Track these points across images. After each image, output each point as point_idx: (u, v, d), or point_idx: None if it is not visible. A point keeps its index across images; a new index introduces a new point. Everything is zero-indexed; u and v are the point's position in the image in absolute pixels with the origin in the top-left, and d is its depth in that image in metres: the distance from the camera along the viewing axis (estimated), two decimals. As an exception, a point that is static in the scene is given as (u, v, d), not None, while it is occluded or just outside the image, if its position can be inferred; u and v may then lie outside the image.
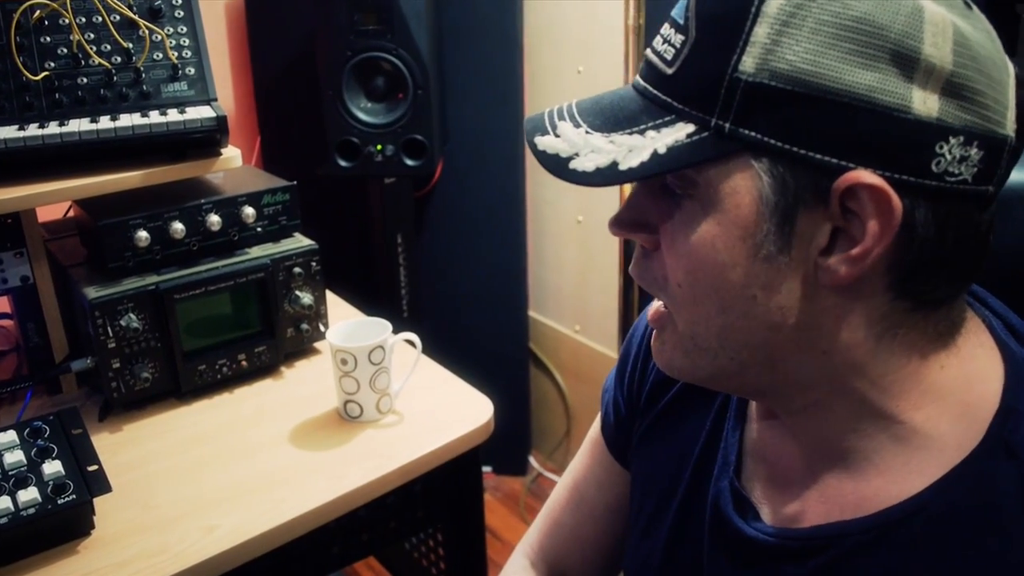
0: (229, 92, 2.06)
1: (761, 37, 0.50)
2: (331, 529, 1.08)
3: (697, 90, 0.53)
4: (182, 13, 1.27)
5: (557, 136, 0.58)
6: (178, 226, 1.23)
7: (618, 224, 0.60)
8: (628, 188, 1.67)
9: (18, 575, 0.92)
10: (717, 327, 0.57)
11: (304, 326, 1.33)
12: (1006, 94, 0.52)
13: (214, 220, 1.25)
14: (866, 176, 0.50)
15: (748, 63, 0.50)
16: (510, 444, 2.42)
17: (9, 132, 1.13)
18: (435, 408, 1.22)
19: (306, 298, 1.30)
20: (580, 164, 0.56)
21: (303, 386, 1.28)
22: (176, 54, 1.25)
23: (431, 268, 2.20)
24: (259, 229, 1.31)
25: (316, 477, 1.07)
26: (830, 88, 0.49)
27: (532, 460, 2.48)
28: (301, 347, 1.35)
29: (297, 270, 1.30)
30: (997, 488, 0.53)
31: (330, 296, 1.48)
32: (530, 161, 2.18)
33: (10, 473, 0.96)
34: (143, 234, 1.20)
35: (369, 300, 1.71)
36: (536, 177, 2.27)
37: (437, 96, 1.87)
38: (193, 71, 1.26)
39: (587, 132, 0.57)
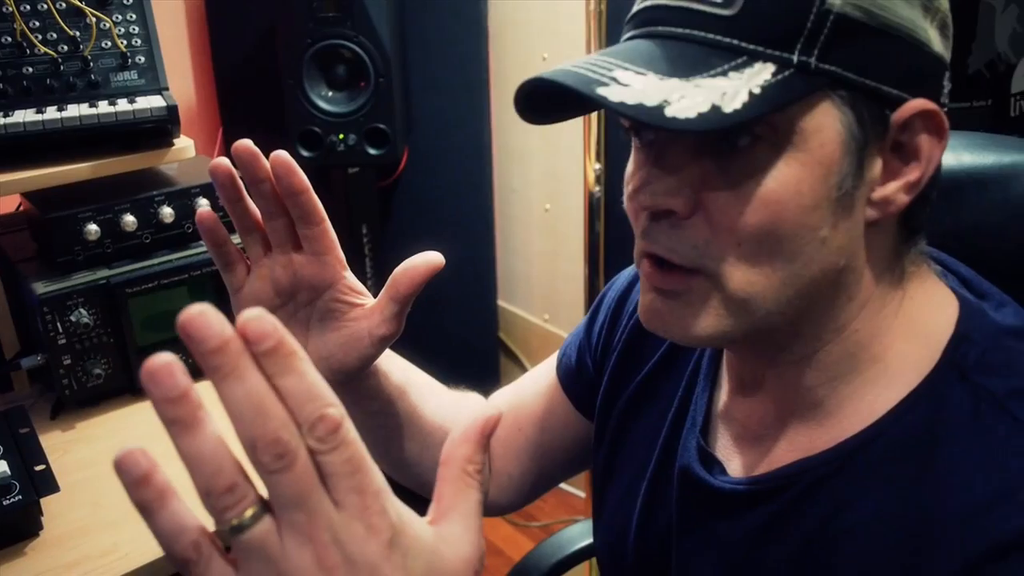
0: (190, 82, 2.02)
1: None
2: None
3: (774, 27, 0.50)
4: (131, 1, 1.24)
5: (626, 85, 0.49)
6: (129, 219, 1.20)
7: (650, 192, 0.54)
8: (592, 171, 1.66)
9: (-37, 578, 0.90)
10: (778, 280, 0.54)
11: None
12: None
13: (167, 212, 1.23)
14: (923, 103, 0.52)
15: None
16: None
17: (-49, 124, 1.09)
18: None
19: (263, 291, 1.28)
20: (679, 111, 0.48)
21: None
22: (125, 42, 1.22)
23: (398, 258, 2.17)
24: (214, 221, 1.28)
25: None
26: (890, 22, 0.51)
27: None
28: (260, 341, 1.32)
29: (254, 262, 1.28)
30: (949, 409, 0.54)
31: (290, 288, 1.46)
32: (497, 149, 2.17)
33: (-47, 474, 0.94)
34: (93, 227, 1.18)
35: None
36: (503, 166, 2.25)
37: (400, 84, 1.85)
38: (143, 59, 1.23)
39: (660, 78, 0.50)
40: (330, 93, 1.78)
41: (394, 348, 1.25)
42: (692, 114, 0.48)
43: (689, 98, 0.49)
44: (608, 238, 1.76)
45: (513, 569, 1.10)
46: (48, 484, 0.95)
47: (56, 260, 1.17)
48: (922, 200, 0.56)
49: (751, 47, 0.50)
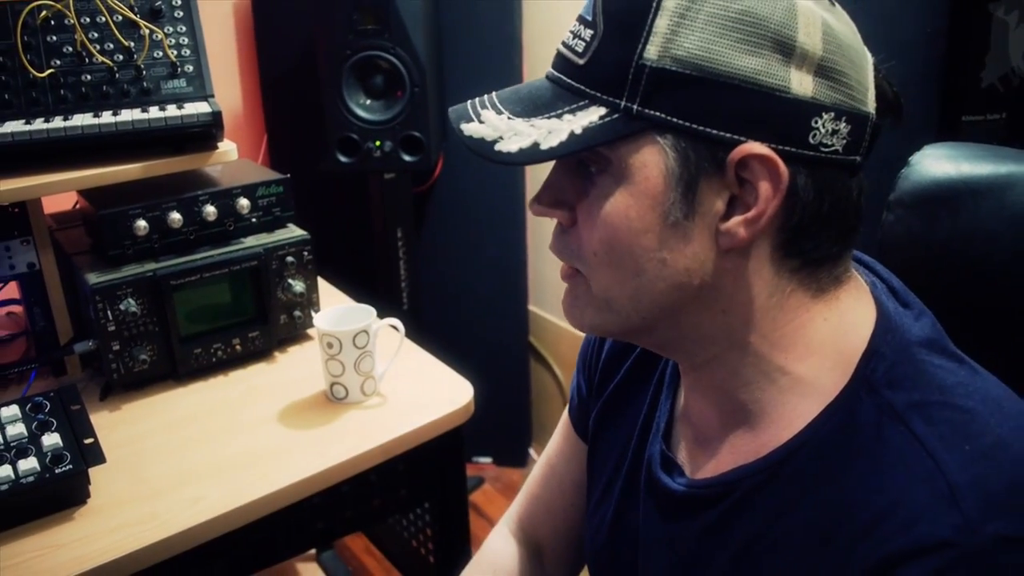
0: (237, 91, 2.13)
1: (662, 28, 0.57)
2: (315, 504, 1.13)
3: (607, 77, 0.59)
4: (181, 13, 1.33)
5: (482, 122, 0.63)
6: (176, 216, 1.29)
7: (538, 202, 0.66)
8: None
9: (19, 539, 0.98)
10: (630, 289, 0.62)
11: (296, 313, 1.39)
12: (867, 77, 0.60)
13: (210, 211, 1.31)
14: (757, 147, 0.57)
15: (651, 51, 0.57)
16: (510, 436, 2.48)
17: (16, 126, 1.19)
18: (418, 391, 1.27)
19: (298, 286, 1.36)
20: (505, 146, 0.61)
21: (294, 369, 1.34)
22: (175, 52, 1.32)
23: (431, 262, 2.26)
24: (254, 220, 1.37)
25: (300, 454, 1.13)
26: (722, 72, 0.56)
27: (532, 452, 2.53)
28: (293, 333, 1.41)
29: (290, 259, 1.36)
30: (857, 422, 0.59)
31: (326, 286, 1.54)
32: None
33: (11, 444, 1.03)
34: (142, 223, 1.27)
35: (370, 293, 1.77)
36: (536, 173, 2.32)
37: (435, 94, 1.93)
38: (191, 69, 1.33)
39: (509, 118, 0.62)
40: (368, 102, 1.86)
41: (427, 349, 1.33)
42: (515, 149, 0.60)
43: (519, 136, 0.61)
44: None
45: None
46: (96, 456, 1.03)
47: (108, 253, 1.26)
48: (800, 231, 0.60)
49: (591, 92, 0.60)
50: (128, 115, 1.25)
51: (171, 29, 1.32)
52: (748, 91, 0.56)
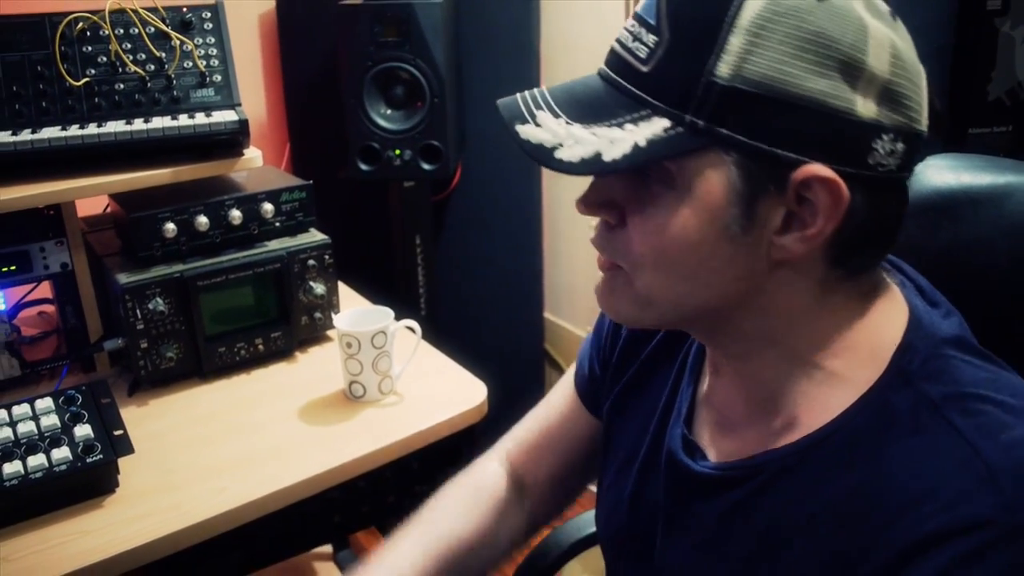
0: (262, 100, 2.18)
1: (735, 46, 0.56)
2: (332, 498, 1.18)
3: (672, 89, 0.59)
4: (211, 25, 1.39)
5: (539, 126, 0.62)
6: (203, 220, 1.34)
7: (586, 203, 0.66)
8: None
9: (51, 525, 1.03)
10: (676, 292, 0.64)
11: (317, 314, 1.43)
12: (923, 95, 0.61)
13: (236, 215, 1.36)
14: (821, 169, 0.57)
15: (723, 69, 0.57)
16: (525, 441, 2.51)
17: (53, 132, 1.25)
18: (433, 390, 1.31)
19: (319, 288, 1.41)
20: (565, 154, 0.60)
21: (314, 369, 1.39)
22: (204, 63, 1.37)
23: (449, 269, 2.30)
24: (277, 224, 1.42)
25: (318, 449, 1.17)
26: (792, 93, 0.56)
27: (546, 457, 2.56)
28: (314, 334, 1.45)
29: (311, 262, 1.41)
30: (893, 411, 0.61)
31: (346, 290, 1.59)
32: (546, 167, 2.27)
33: (45, 435, 1.08)
34: (171, 226, 1.32)
35: (389, 298, 1.81)
36: (552, 181, 2.36)
37: (454, 104, 1.97)
38: (219, 78, 1.38)
39: (567, 123, 0.61)
40: (388, 111, 1.91)
41: (445, 353, 1.37)
42: (576, 159, 0.60)
43: (580, 144, 0.60)
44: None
45: (531, 552, 1.20)
46: (125, 446, 1.08)
47: (138, 255, 1.32)
48: (851, 245, 0.61)
49: (654, 102, 0.59)
50: (159, 122, 1.30)
51: (200, 40, 1.38)
52: (815, 112, 0.56)
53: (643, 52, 0.60)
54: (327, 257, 1.43)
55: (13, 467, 1.02)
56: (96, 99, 1.31)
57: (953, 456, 0.58)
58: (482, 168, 2.23)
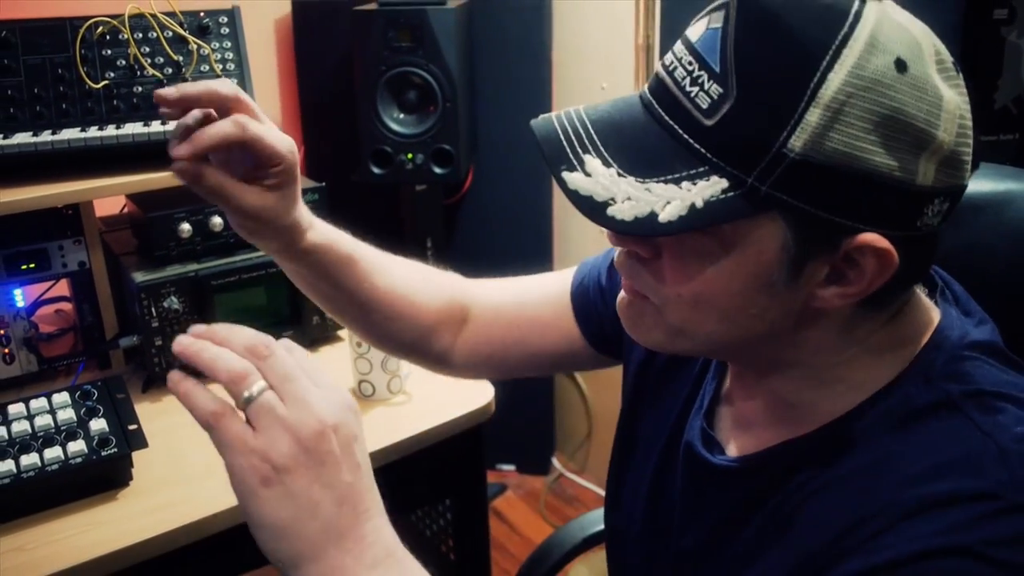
0: (277, 104, 2.21)
1: (813, 121, 0.54)
2: (341, 494, 1.19)
3: (737, 150, 0.56)
4: (227, 30, 1.42)
5: (588, 175, 0.59)
6: (217, 220, 1.37)
7: (617, 237, 0.64)
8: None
9: (67, 516, 1.06)
10: (708, 330, 0.64)
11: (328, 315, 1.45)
12: (970, 151, 0.59)
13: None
14: (877, 240, 0.57)
15: (797, 142, 0.54)
16: (534, 445, 2.53)
17: (73, 133, 1.28)
18: (441, 390, 1.33)
19: (330, 289, 1.43)
20: (618, 212, 0.58)
21: (324, 368, 1.39)
22: (221, 67, 1.40)
23: (460, 272, 2.30)
24: (290, 225, 1.44)
25: (328, 445, 1.19)
26: (860, 168, 0.55)
27: (555, 461, 2.58)
28: (325, 334, 1.48)
29: (323, 263, 1.43)
30: (914, 405, 0.62)
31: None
32: (556, 172, 2.29)
33: (62, 428, 1.11)
34: (186, 226, 1.35)
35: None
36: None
37: (466, 109, 2.00)
38: (236, 82, 1.40)
39: (619, 174, 0.59)
40: (401, 115, 1.94)
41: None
42: (629, 217, 0.57)
43: (634, 201, 0.58)
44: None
45: (533, 553, 1.22)
46: (139, 440, 1.10)
47: (153, 254, 1.34)
48: (885, 292, 0.61)
49: (714, 160, 0.57)
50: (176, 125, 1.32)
51: (217, 45, 1.41)
52: (879, 185, 0.55)
53: (705, 102, 0.57)
54: (339, 258, 1.45)
55: (30, 459, 1.04)
56: (115, 101, 1.34)
57: (966, 440, 0.59)
58: (493, 172, 2.26)
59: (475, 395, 1.31)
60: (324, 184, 1.48)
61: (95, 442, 1.08)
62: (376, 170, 1.95)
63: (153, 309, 1.31)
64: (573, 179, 0.59)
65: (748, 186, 0.56)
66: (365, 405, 1.30)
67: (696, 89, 0.57)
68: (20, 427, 1.09)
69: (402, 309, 0.93)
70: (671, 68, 0.60)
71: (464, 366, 0.99)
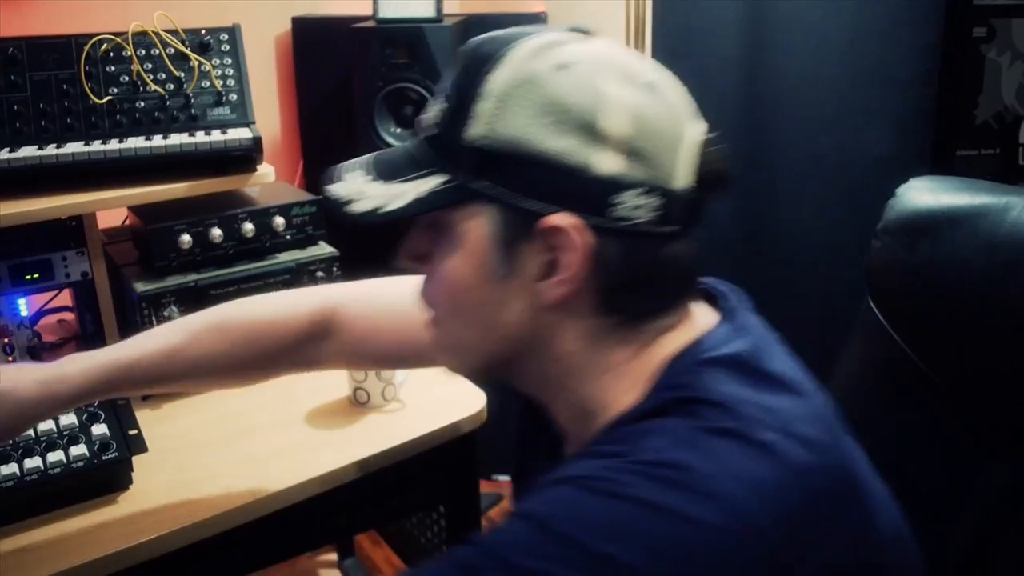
0: (276, 119, 2.25)
1: (485, 111, 0.65)
2: (337, 500, 1.22)
3: (447, 149, 0.68)
4: (228, 47, 1.46)
5: (343, 183, 0.72)
6: (217, 232, 1.40)
7: (403, 256, 0.75)
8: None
9: (67, 519, 1.09)
10: (468, 339, 0.73)
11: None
12: (678, 156, 0.66)
13: (248, 228, 1.43)
14: (561, 219, 0.64)
15: (477, 131, 0.66)
16: (529, 455, 2.54)
17: (77, 147, 1.32)
18: (435, 398, 1.36)
19: (327, 299, 1.47)
20: (356, 206, 0.70)
21: (321, 376, 1.42)
22: (221, 83, 1.44)
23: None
24: (288, 237, 1.48)
25: (323, 451, 1.22)
26: (535, 151, 0.64)
27: (550, 471, 2.59)
28: (322, 343, 1.50)
29: (320, 274, 1.47)
30: (630, 415, 0.66)
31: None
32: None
33: (64, 432, 1.13)
34: (186, 238, 1.38)
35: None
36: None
37: (461, 124, 2.03)
38: (235, 97, 1.45)
39: (371, 180, 0.71)
40: (398, 131, 1.97)
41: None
42: (363, 209, 0.69)
43: (370, 198, 0.69)
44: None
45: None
46: (139, 445, 1.13)
47: (154, 265, 1.38)
48: (615, 292, 0.67)
49: (435, 161, 0.69)
50: (176, 139, 1.37)
51: (218, 61, 1.45)
52: (557, 169, 0.64)
53: (434, 116, 0.69)
54: (335, 269, 1.48)
55: (33, 462, 1.07)
56: (118, 116, 1.38)
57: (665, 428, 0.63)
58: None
59: (468, 402, 1.34)
60: (321, 197, 1.51)
61: (96, 446, 1.11)
62: (373, 184, 1.98)
63: (154, 318, 1.34)
64: (331, 188, 0.73)
65: (452, 178, 0.67)
66: (360, 412, 1.33)
67: (433, 107, 0.70)
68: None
69: (263, 349, 1.01)
70: (429, 105, 0.72)
71: (337, 364, 1.08)
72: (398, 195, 0.69)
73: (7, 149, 1.31)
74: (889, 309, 0.96)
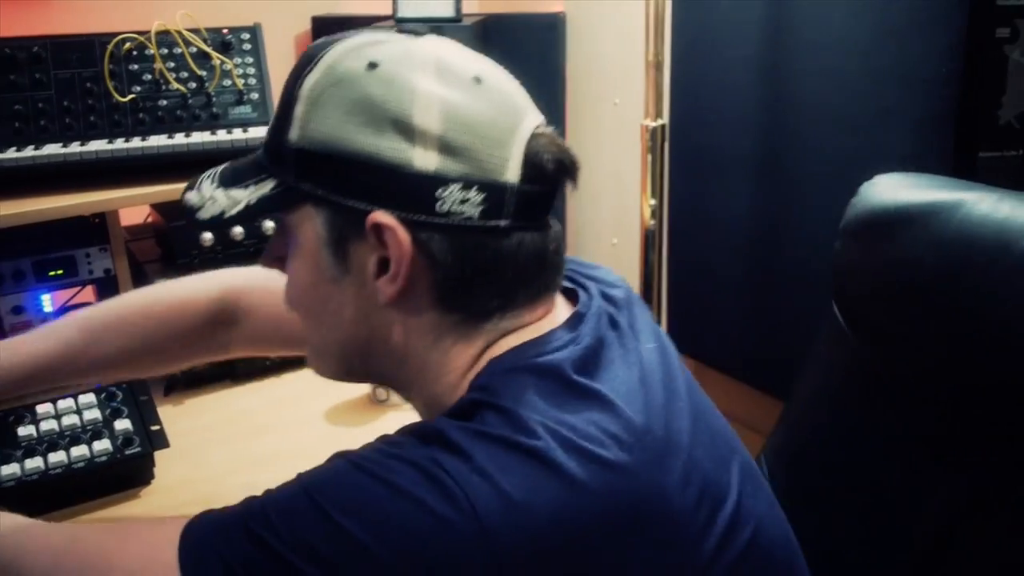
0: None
1: (299, 114, 0.67)
2: (355, 496, 1.23)
3: (273, 154, 0.70)
4: (249, 46, 1.47)
5: (197, 191, 0.75)
6: (238, 230, 1.41)
7: (263, 260, 0.78)
8: (647, 207, 1.80)
9: (89, 513, 1.10)
10: (320, 337, 0.74)
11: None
12: (504, 149, 0.65)
13: (269, 226, 1.43)
14: (382, 216, 0.65)
15: (294, 134, 0.67)
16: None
17: (100, 145, 1.33)
18: (453, 396, 1.37)
19: (346, 297, 1.47)
20: (204, 212, 0.73)
21: None
22: (242, 81, 1.45)
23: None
24: (308, 235, 1.48)
25: (343, 448, 1.22)
26: (351, 150, 0.65)
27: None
28: (341, 341, 1.51)
29: (340, 272, 1.47)
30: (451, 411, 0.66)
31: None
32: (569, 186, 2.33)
33: (88, 427, 1.15)
34: (208, 235, 1.39)
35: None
36: (575, 202, 2.42)
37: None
38: (256, 96, 1.46)
39: (218, 187, 0.73)
40: (417, 130, 1.98)
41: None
42: (209, 215, 0.72)
43: (216, 203, 0.72)
44: (666, 270, 1.90)
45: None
46: (161, 440, 1.14)
47: (176, 262, 1.39)
48: (450, 289, 0.66)
49: (268, 167, 0.71)
50: (198, 137, 1.38)
51: (239, 60, 1.46)
52: (374, 167, 0.64)
53: (270, 123, 0.72)
54: (355, 267, 1.49)
55: (58, 456, 1.09)
56: (141, 114, 1.39)
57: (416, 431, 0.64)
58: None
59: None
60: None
61: (119, 441, 1.12)
62: (392, 183, 1.99)
63: (175, 315, 1.35)
64: (186, 196, 0.75)
65: (280, 182, 0.69)
66: (379, 410, 1.33)
67: (274, 120, 0.71)
68: (48, 426, 1.14)
69: (166, 334, 1.03)
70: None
71: (247, 350, 1.09)
72: (237, 201, 0.71)
73: (32, 146, 1.32)
74: (848, 311, 0.93)
